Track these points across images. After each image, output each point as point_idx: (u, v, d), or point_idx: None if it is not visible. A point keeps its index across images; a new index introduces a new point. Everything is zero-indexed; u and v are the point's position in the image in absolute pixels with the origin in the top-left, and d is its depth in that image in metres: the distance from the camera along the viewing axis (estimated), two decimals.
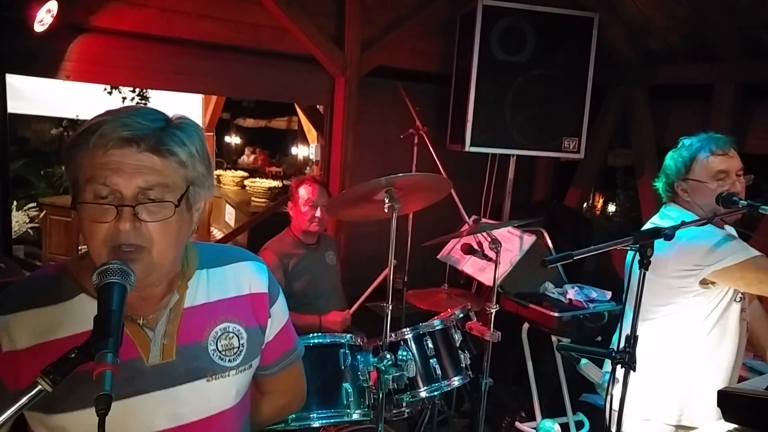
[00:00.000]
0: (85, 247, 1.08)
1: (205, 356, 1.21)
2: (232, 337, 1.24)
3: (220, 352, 1.22)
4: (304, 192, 3.14)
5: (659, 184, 2.21)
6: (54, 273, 1.16)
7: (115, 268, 0.98)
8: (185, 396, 1.18)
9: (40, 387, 0.84)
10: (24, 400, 0.84)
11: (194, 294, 1.21)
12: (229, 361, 1.23)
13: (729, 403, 1.61)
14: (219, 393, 1.23)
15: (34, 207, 6.84)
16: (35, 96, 7.10)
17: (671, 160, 2.14)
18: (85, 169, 1.02)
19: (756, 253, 1.94)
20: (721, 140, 2.06)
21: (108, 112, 1.05)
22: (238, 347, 1.25)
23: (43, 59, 3.39)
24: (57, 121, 9.13)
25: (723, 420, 1.67)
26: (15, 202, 6.76)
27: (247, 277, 1.30)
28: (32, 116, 8.81)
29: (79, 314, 1.10)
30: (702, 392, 2.01)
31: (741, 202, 1.98)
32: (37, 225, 6.74)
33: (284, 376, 1.44)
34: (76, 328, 1.09)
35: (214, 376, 1.21)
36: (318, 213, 3.13)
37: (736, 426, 1.64)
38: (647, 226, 2.18)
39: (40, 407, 1.09)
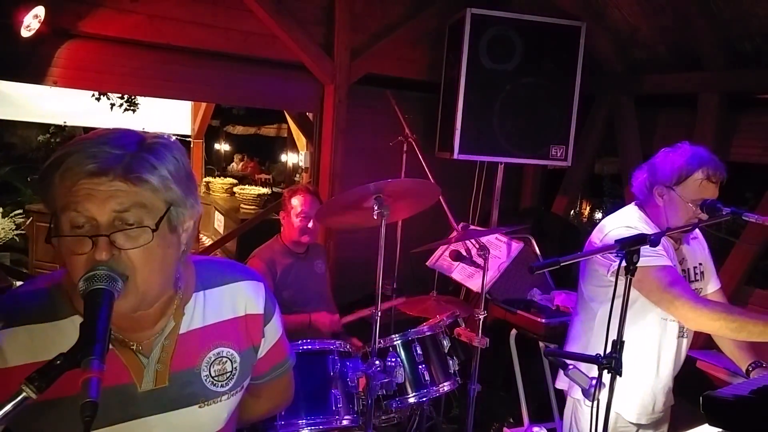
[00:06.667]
0: None
1: (197, 382, 1.20)
2: (226, 361, 1.24)
3: (212, 377, 1.22)
4: (296, 203, 3.14)
5: (640, 177, 2.17)
6: (49, 287, 1.13)
7: (102, 275, 0.95)
8: (177, 421, 1.18)
9: (24, 394, 0.83)
10: (8, 407, 0.83)
11: (190, 319, 1.20)
12: (222, 386, 1.23)
13: (713, 407, 1.61)
14: (211, 418, 1.23)
15: (20, 214, 6.76)
16: (22, 102, 7.08)
17: (668, 163, 2.08)
18: (58, 200, 0.98)
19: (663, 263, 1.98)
20: (720, 168, 2.04)
21: (77, 141, 1.00)
22: (231, 371, 1.25)
23: (30, 65, 3.37)
24: (44, 128, 9.10)
25: (707, 424, 1.68)
26: (1, 209, 6.70)
27: (243, 298, 1.28)
28: (19, 122, 8.77)
29: (71, 336, 1.05)
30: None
31: (725, 209, 2.00)
32: (23, 232, 6.67)
33: (273, 384, 1.45)
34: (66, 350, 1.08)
35: (206, 403, 1.21)
36: (310, 224, 3.14)
37: (720, 431, 1.64)
38: (608, 219, 2.20)
39: None
